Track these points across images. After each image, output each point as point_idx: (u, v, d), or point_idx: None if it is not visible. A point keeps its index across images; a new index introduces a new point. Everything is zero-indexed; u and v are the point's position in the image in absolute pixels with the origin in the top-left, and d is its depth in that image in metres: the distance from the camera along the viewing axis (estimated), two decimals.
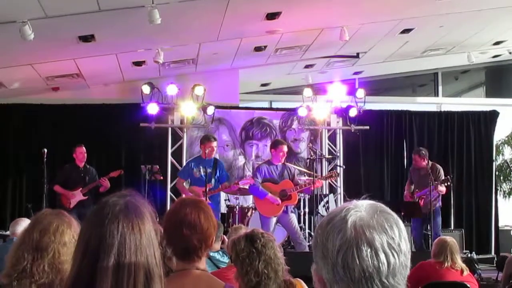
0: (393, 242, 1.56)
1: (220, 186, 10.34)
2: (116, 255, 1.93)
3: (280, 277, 3.66)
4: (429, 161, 11.70)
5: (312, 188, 10.33)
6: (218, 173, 10.40)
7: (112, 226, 1.96)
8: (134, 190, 2.13)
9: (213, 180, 10.28)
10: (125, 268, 1.93)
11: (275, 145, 10.28)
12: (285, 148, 10.15)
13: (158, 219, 2.18)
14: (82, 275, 1.94)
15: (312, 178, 10.41)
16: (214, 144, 10.46)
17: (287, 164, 10.41)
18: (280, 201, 9.88)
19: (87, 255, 1.94)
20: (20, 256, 2.80)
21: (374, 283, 1.54)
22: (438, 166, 11.71)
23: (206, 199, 9.68)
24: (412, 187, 11.92)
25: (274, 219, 9.97)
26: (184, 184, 10.55)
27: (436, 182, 11.16)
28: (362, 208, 1.62)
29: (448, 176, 11.48)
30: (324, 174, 12.39)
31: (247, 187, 10.49)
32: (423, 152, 11.69)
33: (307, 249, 9.78)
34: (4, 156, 12.94)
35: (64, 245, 2.82)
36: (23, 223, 6.34)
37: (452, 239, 6.42)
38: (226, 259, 5.63)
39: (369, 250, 1.54)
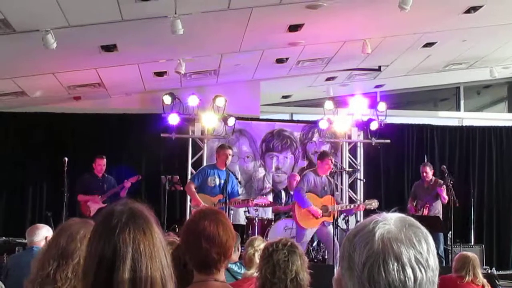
0: (420, 257, 1.53)
1: (229, 200, 10.05)
2: (132, 262, 1.94)
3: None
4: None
5: (354, 211, 10.37)
6: (230, 187, 10.17)
7: (124, 235, 1.95)
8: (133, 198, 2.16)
9: (224, 193, 10.10)
10: (142, 273, 1.93)
11: (322, 156, 10.37)
12: (331, 161, 10.17)
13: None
14: (98, 285, 1.93)
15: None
16: (229, 151, 10.39)
17: (329, 178, 10.42)
18: (321, 213, 9.89)
19: (102, 266, 1.94)
20: (45, 262, 2.80)
21: None
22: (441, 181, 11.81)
23: None
24: (414, 203, 11.99)
25: (308, 232, 9.94)
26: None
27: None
28: (390, 221, 1.59)
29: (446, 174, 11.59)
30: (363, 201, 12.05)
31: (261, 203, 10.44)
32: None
33: None
34: (25, 164, 12.99)
35: None
36: (39, 232, 6.25)
37: (474, 254, 6.46)
38: (243, 271, 5.60)
39: (396, 264, 1.51)
